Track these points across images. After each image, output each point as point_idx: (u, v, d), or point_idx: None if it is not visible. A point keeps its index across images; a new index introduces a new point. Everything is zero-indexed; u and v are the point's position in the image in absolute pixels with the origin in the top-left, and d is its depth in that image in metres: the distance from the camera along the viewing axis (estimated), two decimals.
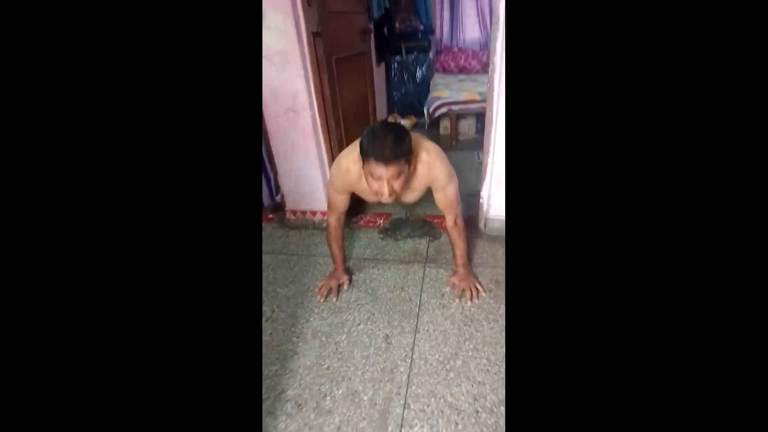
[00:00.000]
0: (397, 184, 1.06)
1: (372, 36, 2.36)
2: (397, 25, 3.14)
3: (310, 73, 1.51)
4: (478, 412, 0.94)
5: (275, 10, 1.37)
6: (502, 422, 0.91)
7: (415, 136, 1.20)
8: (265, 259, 1.62)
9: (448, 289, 1.36)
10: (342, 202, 1.31)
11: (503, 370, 1.05)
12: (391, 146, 1.00)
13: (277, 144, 1.69)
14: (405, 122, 3.15)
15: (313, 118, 1.59)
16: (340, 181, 1.24)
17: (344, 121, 1.76)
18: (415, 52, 3.25)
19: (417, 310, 1.28)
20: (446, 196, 1.27)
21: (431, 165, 1.20)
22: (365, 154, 1.03)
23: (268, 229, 1.86)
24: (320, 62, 1.51)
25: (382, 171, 1.02)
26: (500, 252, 1.56)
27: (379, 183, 1.06)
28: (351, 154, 1.21)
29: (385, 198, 1.08)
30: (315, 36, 1.45)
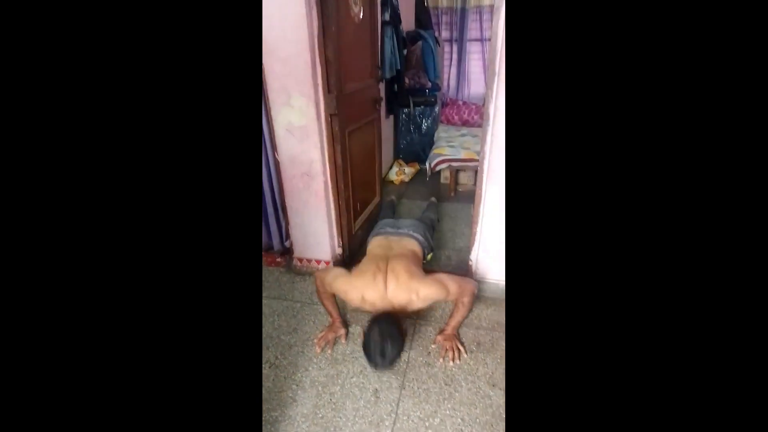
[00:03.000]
0: None
1: (383, 101, 2.61)
2: (407, 80, 3.41)
3: (325, 145, 1.74)
4: None
5: (300, 94, 1.61)
6: None
7: (406, 280, 1.43)
8: (272, 304, 1.80)
9: (433, 346, 1.53)
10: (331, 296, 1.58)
11: (474, 430, 1.20)
12: (389, 360, 1.30)
13: (291, 201, 1.90)
14: (409, 169, 3.38)
15: (325, 182, 1.80)
16: (345, 297, 1.51)
17: (353, 183, 1.98)
18: (422, 106, 3.52)
19: (404, 366, 1.44)
20: (453, 298, 1.51)
21: (425, 299, 1.47)
22: (366, 355, 1.33)
23: (275, 273, 2.05)
24: (335, 136, 1.74)
25: None
26: (484, 313, 1.73)
27: None
28: (363, 293, 1.44)
29: None
30: (332, 116, 1.69)
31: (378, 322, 1.33)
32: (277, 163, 1.85)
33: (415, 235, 1.78)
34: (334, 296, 1.60)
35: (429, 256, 1.82)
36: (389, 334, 1.30)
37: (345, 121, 1.78)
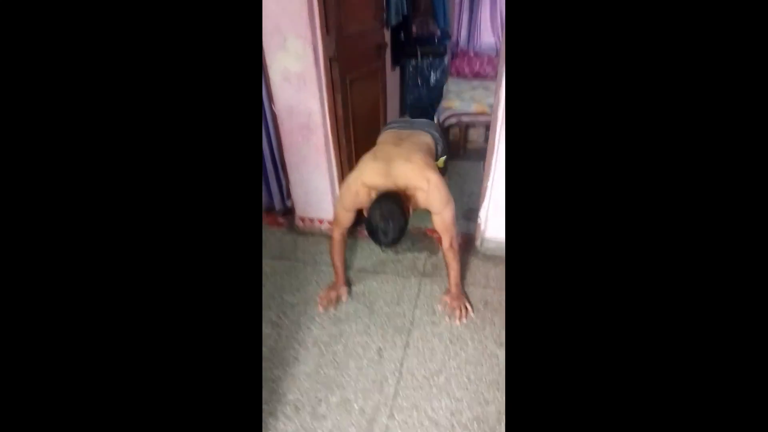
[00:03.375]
0: None
1: (387, 47, 2.41)
2: (414, 29, 3.16)
3: (324, 95, 1.60)
4: (453, 426, 1.07)
5: (296, 35, 1.46)
6: None
7: (422, 164, 1.32)
8: (274, 264, 1.75)
9: (439, 307, 1.48)
10: (348, 219, 1.43)
11: (480, 388, 1.17)
12: (391, 239, 1.22)
13: (290, 156, 1.79)
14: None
15: (326, 135, 1.69)
16: (350, 200, 1.36)
17: (355, 137, 1.85)
18: (431, 57, 3.28)
19: (409, 325, 1.40)
20: (442, 220, 1.37)
21: (429, 193, 1.31)
22: (370, 236, 1.25)
23: (278, 234, 1.99)
24: (335, 84, 1.60)
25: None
26: (492, 272, 1.66)
27: None
28: (361, 176, 1.33)
29: None
30: (331, 60, 1.54)
31: (380, 201, 1.24)
32: (274, 116, 1.72)
33: (431, 131, 1.62)
34: (345, 249, 1.51)
35: (441, 161, 1.65)
36: (390, 211, 1.21)
37: (346, 67, 1.63)
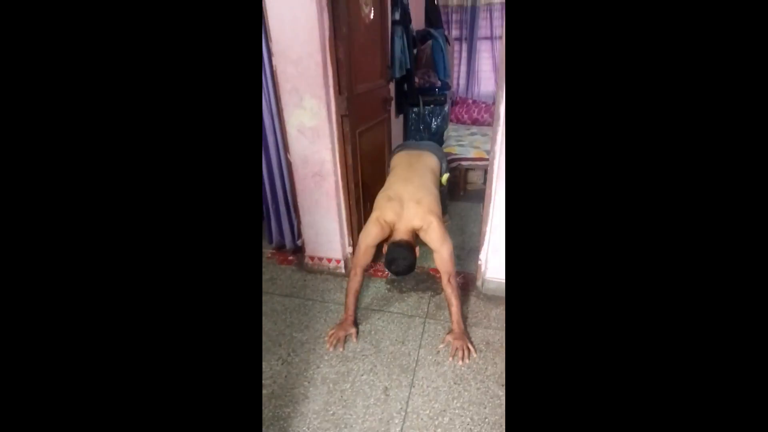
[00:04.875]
0: None
1: (392, 101, 2.62)
2: (416, 80, 3.41)
3: (336, 146, 1.76)
4: None
5: (311, 96, 1.63)
6: None
7: (426, 210, 1.54)
8: (284, 301, 1.83)
9: (442, 346, 1.54)
10: (370, 254, 1.61)
11: (483, 429, 1.21)
12: (403, 269, 1.51)
13: (302, 200, 1.93)
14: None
15: (336, 182, 1.82)
16: (375, 236, 1.57)
17: (363, 182, 1.99)
18: (432, 105, 3.51)
19: (414, 365, 1.46)
20: (441, 257, 1.54)
21: (428, 233, 1.53)
22: (387, 266, 1.54)
23: (287, 271, 2.08)
24: (346, 137, 1.76)
25: None
26: (494, 312, 1.73)
27: None
28: (382, 215, 1.57)
29: None
30: (343, 117, 1.71)
31: (397, 243, 1.53)
32: (289, 164, 1.88)
33: (435, 152, 1.92)
34: (360, 288, 1.66)
35: (445, 178, 1.92)
36: (399, 254, 1.49)
37: (356, 121, 1.80)
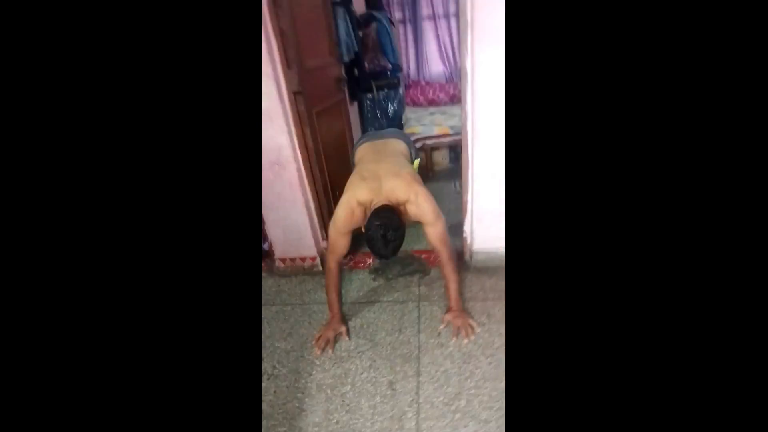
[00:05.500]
0: None
1: (346, 82, 2.47)
2: (366, 65, 3.28)
3: (293, 129, 1.58)
4: None
5: None
6: None
7: (409, 179, 1.33)
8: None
9: (443, 327, 1.41)
10: (344, 244, 1.37)
11: (504, 405, 1.09)
12: (392, 247, 1.22)
13: (264, 196, 1.72)
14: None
15: (299, 169, 1.64)
16: (346, 221, 1.32)
17: (328, 168, 1.82)
18: (386, 89, 3.40)
19: (417, 352, 1.32)
20: (436, 232, 1.35)
21: (419, 205, 1.31)
22: (370, 247, 1.23)
23: None
24: (302, 118, 1.59)
25: None
26: (488, 283, 1.63)
27: None
28: (354, 196, 1.31)
29: None
30: (296, 95, 1.53)
31: (377, 213, 1.24)
32: None
33: (400, 137, 1.66)
34: (340, 281, 1.45)
35: (416, 163, 1.68)
36: (388, 218, 1.21)
37: (310, 100, 1.63)
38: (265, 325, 1.53)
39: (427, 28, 3.88)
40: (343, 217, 1.32)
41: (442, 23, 3.81)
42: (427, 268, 1.78)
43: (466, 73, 1.44)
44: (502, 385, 1.15)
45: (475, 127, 1.53)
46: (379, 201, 1.29)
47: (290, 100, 1.52)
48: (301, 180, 1.67)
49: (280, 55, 1.44)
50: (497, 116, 1.47)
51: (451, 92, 3.71)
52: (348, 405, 1.15)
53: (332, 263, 1.39)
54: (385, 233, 1.19)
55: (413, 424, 1.07)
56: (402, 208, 1.31)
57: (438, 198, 2.44)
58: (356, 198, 1.31)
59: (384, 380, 1.22)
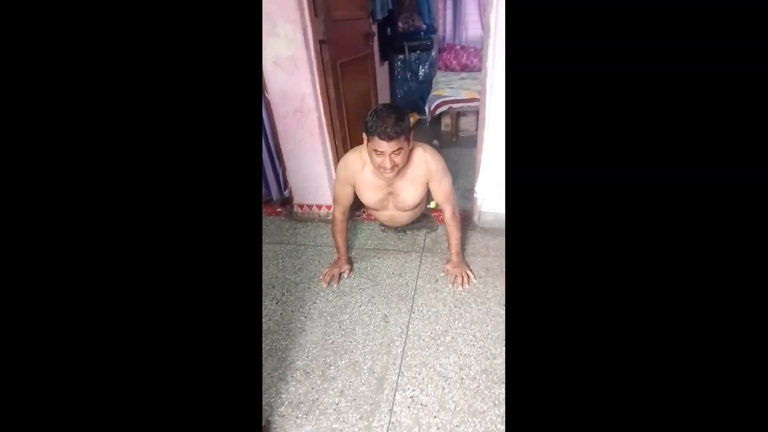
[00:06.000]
0: (398, 159, 1.24)
1: (375, 38, 2.47)
2: (400, 24, 3.24)
3: (316, 78, 1.64)
4: (462, 379, 1.08)
5: (285, 20, 1.50)
6: (483, 387, 1.05)
7: (415, 141, 1.36)
8: (275, 249, 1.76)
9: (442, 274, 1.50)
10: (347, 195, 1.45)
11: (487, 345, 1.18)
12: (392, 125, 1.16)
13: (285, 143, 1.82)
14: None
15: (319, 119, 1.72)
16: (345, 173, 1.40)
17: (348, 121, 1.89)
18: (418, 51, 3.35)
19: (413, 293, 1.42)
20: (442, 188, 1.41)
21: (427, 161, 1.37)
22: (370, 132, 1.20)
23: (277, 222, 2.01)
24: (326, 67, 1.64)
25: (385, 146, 1.19)
26: (492, 243, 1.69)
27: (382, 158, 1.22)
28: (356, 152, 1.38)
29: (388, 172, 1.25)
30: (321, 43, 1.58)
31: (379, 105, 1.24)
32: (267, 103, 1.76)
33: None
34: (346, 228, 1.54)
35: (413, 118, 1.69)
36: (391, 106, 1.21)
37: (336, 50, 1.67)
38: (279, 260, 1.68)
39: None
40: (342, 170, 1.40)
41: None
42: (435, 224, 1.85)
43: (488, 43, 1.44)
44: (488, 328, 1.24)
45: (493, 90, 1.53)
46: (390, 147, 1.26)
47: (315, 49, 1.58)
48: (321, 129, 1.75)
49: (309, 3, 1.49)
50: None
51: None
52: (344, 330, 1.28)
53: (338, 213, 1.49)
54: (388, 113, 1.17)
55: (399, 350, 1.18)
56: (409, 160, 1.34)
57: (458, 163, 2.48)
58: (359, 152, 1.36)
59: (379, 313, 1.33)
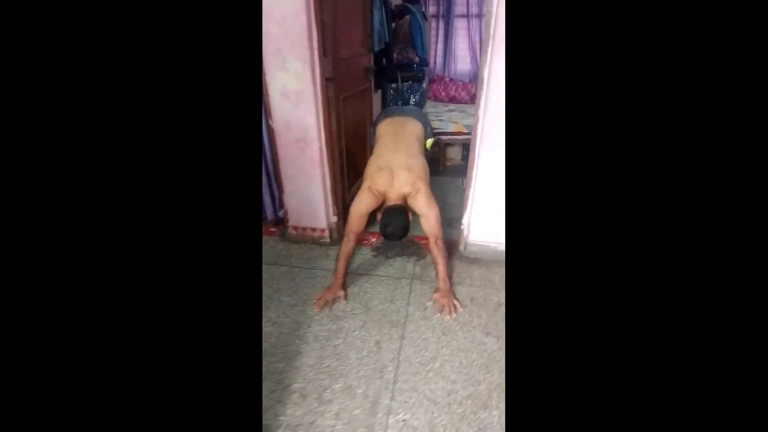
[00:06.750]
0: None
1: (373, 72, 2.61)
2: (395, 56, 3.40)
3: (320, 111, 1.74)
4: (450, 404, 1.17)
5: (295, 57, 1.61)
6: (468, 412, 1.14)
7: (416, 176, 1.61)
8: (269, 269, 1.82)
9: (430, 303, 1.60)
10: (362, 223, 1.66)
11: (471, 371, 1.28)
12: (391, 236, 1.58)
13: (285, 168, 1.91)
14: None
15: (321, 148, 1.82)
16: (367, 205, 1.63)
17: (346, 150, 2.00)
18: (410, 81, 3.53)
19: (404, 320, 1.51)
20: (428, 221, 1.61)
21: (417, 198, 1.59)
22: (382, 233, 1.59)
23: (270, 242, 2.07)
24: (330, 102, 1.75)
25: None
26: (476, 272, 1.80)
27: None
28: (373, 185, 1.63)
29: None
30: (328, 81, 1.69)
31: (385, 211, 1.59)
32: (270, 131, 1.84)
33: (419, 118, 1.94)
34: (350, 254, 1.71)
35: (429, 142, 1.97)
36: (390, 218, 1.56)
37: (340, 86, 1.79)
38: (273, 281, 1.74)
39: (459, 26, 3.97)
40: (366, 201, 1.61)
41: (474, 22, 3.90)
42: (423, 252, 1.96)
43: (482, 79, 1.58)
44: (473, 355, 1.34)
45: (484, 129, 1.67)
46: (390, 193, 1.60)
47: (322, 85, 1.69)
48: (321, 158, 1.84)
49: (319, 44, 1.60)
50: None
51: (472, 92, 3.83)
52: (338, 354, 1.35)
53: (351, 235, 1.65)
54: (393, 229, 1.55)
55: (392, 375, 1.26)
56: (405, 197, 1.62)
57: (444, 191, 2.63)
58: (375, 187, 1.60)
59: (372, 339, 1.41)
